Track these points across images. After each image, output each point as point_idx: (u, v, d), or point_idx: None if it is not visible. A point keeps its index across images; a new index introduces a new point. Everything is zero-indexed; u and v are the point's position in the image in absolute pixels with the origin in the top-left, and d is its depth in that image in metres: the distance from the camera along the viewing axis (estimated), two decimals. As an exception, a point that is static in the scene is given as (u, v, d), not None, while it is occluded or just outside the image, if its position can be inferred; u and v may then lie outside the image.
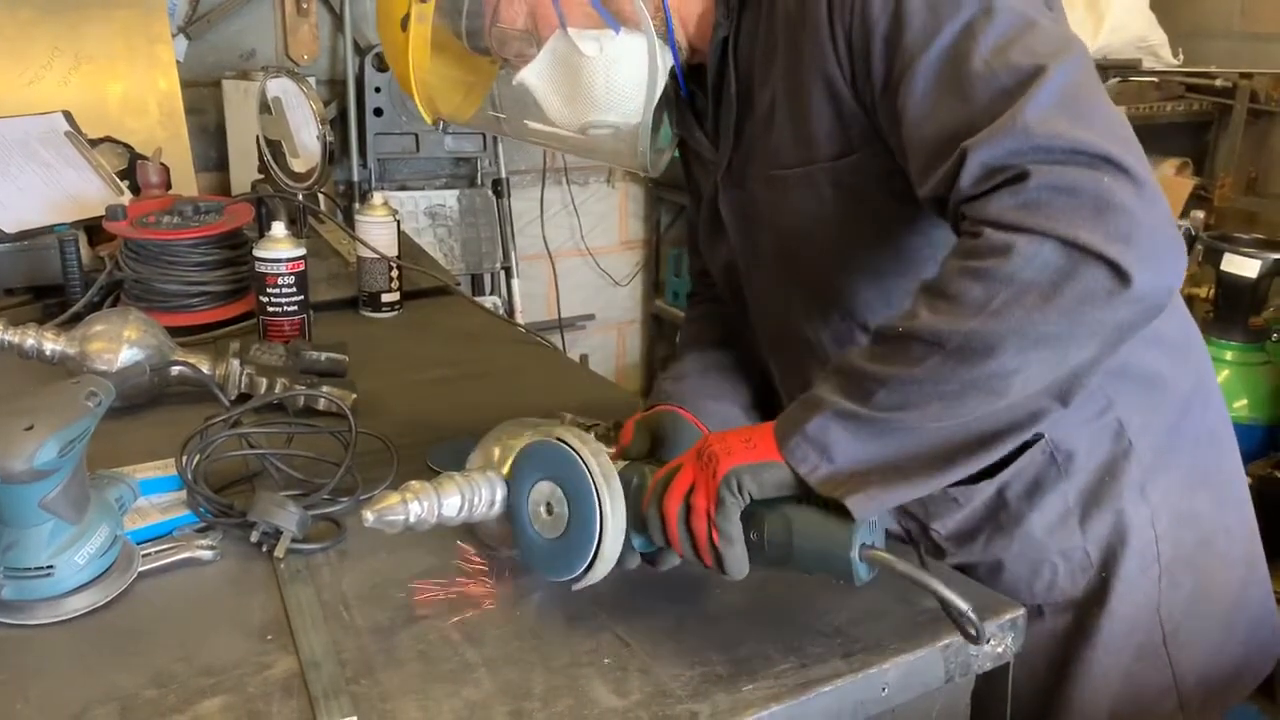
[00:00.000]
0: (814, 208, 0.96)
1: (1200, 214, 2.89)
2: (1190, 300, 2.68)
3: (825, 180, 0.95)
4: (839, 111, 0.91)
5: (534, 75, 1.01)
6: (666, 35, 0.99)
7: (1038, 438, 0.99)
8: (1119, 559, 1.00)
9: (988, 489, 1.00)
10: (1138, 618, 1.01)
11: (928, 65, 0.82)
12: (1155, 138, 3.22)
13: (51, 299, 1.68)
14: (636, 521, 0.88)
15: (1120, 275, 0.72)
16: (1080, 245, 0.72)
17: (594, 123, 1.02)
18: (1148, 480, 1.00)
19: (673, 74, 1.01)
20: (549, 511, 0.89)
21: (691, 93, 1.06)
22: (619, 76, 0.99)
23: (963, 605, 0.78)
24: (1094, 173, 0.73)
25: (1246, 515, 1.10)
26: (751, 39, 0.97)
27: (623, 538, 0.87)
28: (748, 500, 0.82)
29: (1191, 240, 2.65)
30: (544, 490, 0.89)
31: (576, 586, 0.88)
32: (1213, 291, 2.61)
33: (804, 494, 0.82)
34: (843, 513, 0.80)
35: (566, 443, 0.88)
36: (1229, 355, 2.54)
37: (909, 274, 0.93)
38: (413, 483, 0.89)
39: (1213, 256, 2.56)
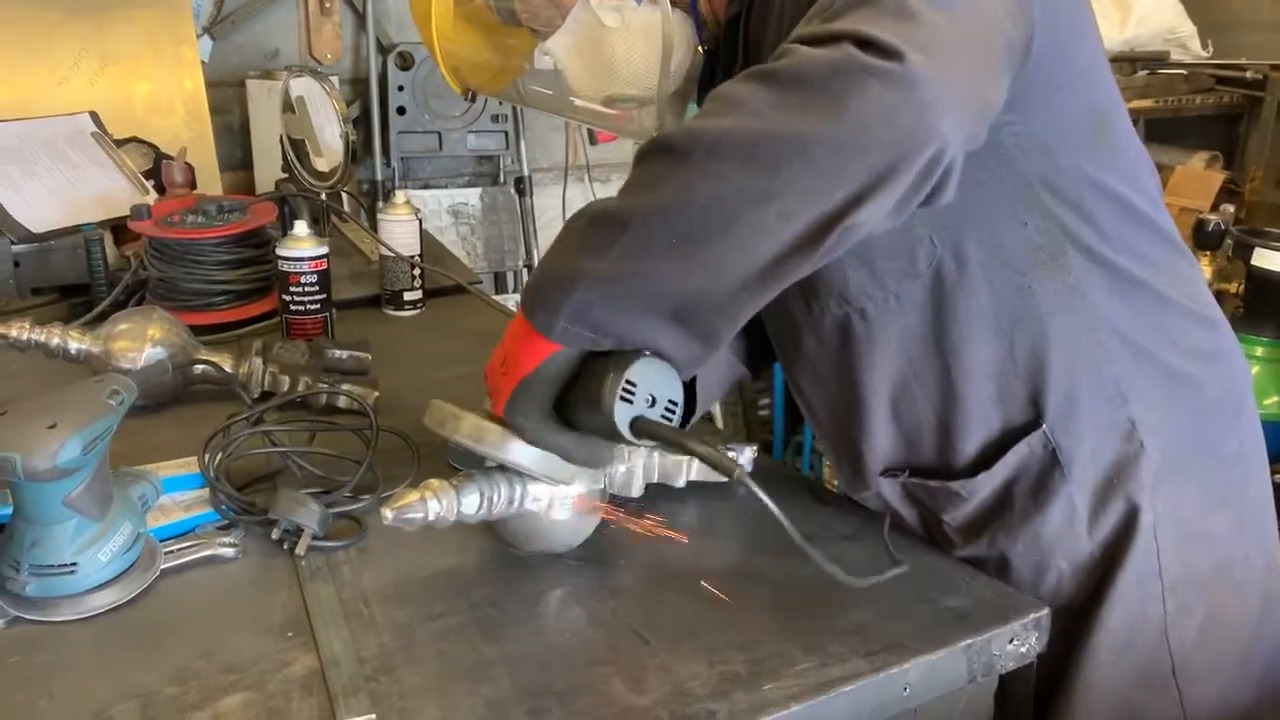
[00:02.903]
0: None
1: (1230, 208, 2.85)
2: (1220, 295, 2.64)
3: None
4: None
5: (558, 45, 1.01)
6: (690, 8, 0.98)
7: (1035, 427, 0.94)
8: (1119, 564, 0.95)
9: (989, 483, 0.97)
10: (1134, 635, 0.96)
11: None
12: (1184, 131, 3.19)
13: (77, 298, 1.70)
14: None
15: (894, 55, 0.67)
16: (864, 39, 0.68)
17: (615, 95, 1.01)
18: (1156, 485, 0.95)
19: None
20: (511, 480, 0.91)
21: (714, 70, 1.05)
22: (639, 48, 0.98)
23: (730, 466, 0.78)
24: None
25: (1268, 545, 1.04)
26: (761, 19, 0.96)
27: (535, 452, 0.87)
28: (539, 421, 0.83)
29: (1222, 235, 2.61)
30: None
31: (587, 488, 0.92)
32: (1243, 287, 2.57)
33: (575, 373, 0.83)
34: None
35: (442, 432, 0.90)
36: (1260, 351, 2.50)
37: (899, 256, 0.92)
38: (432, 481, 0.89)
39: (1243, 251, 2.52)
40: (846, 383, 1.01)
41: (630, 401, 0.82)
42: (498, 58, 1.11)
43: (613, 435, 0.83)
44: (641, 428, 0.82)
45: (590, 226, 0.77)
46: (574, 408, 0.85)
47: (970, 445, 0.97)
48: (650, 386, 0.83)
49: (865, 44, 0.68)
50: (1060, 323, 0.93)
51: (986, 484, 0.97)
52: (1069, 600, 0.98)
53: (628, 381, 0.81)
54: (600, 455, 0.86)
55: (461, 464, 1.12)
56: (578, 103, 1.03)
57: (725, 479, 0.80)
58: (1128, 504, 0.95)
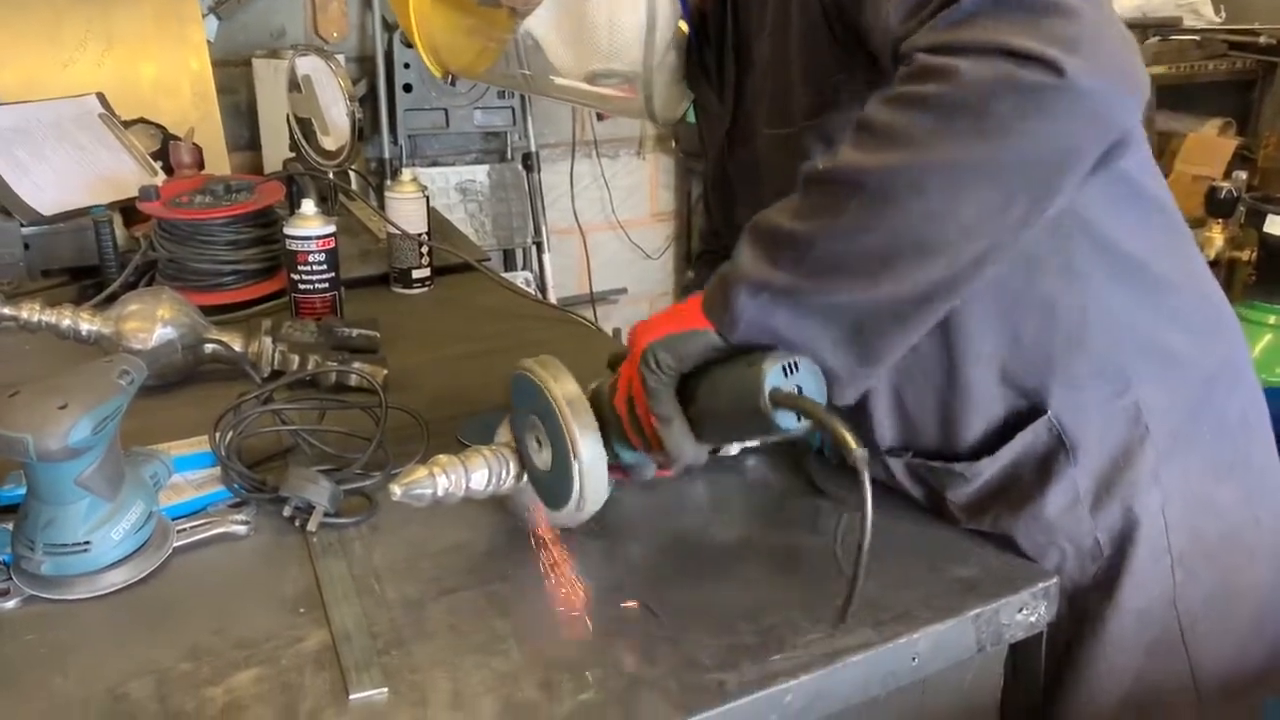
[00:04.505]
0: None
1: (1243, 175, 2.82)
2: (1233, 264, 2.62)
3: (810, 144, 0.92)
4: (821, 62, 0.88)
5: (539, 22, 0.99)
6: None
7: (1039, 413, 0.94)
8: (1131, 548, 0.95)
9: (992, 466, 0.97)
10: (1150, 611, 0.96)
11: None
12: (1197, 97, 3.15)
13: (88, 280, 1.70)
14: (618, 433, 0.87)
15: (1053, 68, 0.66)
16: (1014, 51, 0.66)
17: (599, 71, 1.00)
18: (1161, 465, 0.94)
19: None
20: (539, 444, 0.89)
21: (701, 43, 1.04)
22: (622, 21, 0.96)
23: (856, 451, 0.73)
24: None
25: (1279, 509, 1.03)
26: None
27: (602, 461, 0.86)
28: (669, 374, 0.80)
29: (1234, 202, 2.59)
30: (532, 423, 0.89)
31: (579, 519, 0.87)
32: (1255, 254, 2.55)
33: (730, 353, 0.79)
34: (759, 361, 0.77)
35: (534, 374, 0.87)
36: (1272, 320, 2.47)
37: None
38: (440, 456, 0.90)
39: (1255, 218, 2.49)
40: None
41: (789, 370, 0.77)
42: (477, 39, 1.09)
43: (747, 394, 0.77)
44: (779, 398, 0.76)
45: (772, 244, 0.77)
46: (709, 377, 0.81)
47: (973, 430, 0.97)
48: (806, 380, 0.78)
49: (1018, 56, 0.67)
50: (1063, 308, 0.92)
51: (990, 466, 0.97)
52: (1077, 581, 0.98)
53: (793, 362, 0.77)
54: (683, 450, 0.82)
55: (471, 440, 1.12)
56: (559, 81, 1.02)
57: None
58: (1135, 486, 0.95)
